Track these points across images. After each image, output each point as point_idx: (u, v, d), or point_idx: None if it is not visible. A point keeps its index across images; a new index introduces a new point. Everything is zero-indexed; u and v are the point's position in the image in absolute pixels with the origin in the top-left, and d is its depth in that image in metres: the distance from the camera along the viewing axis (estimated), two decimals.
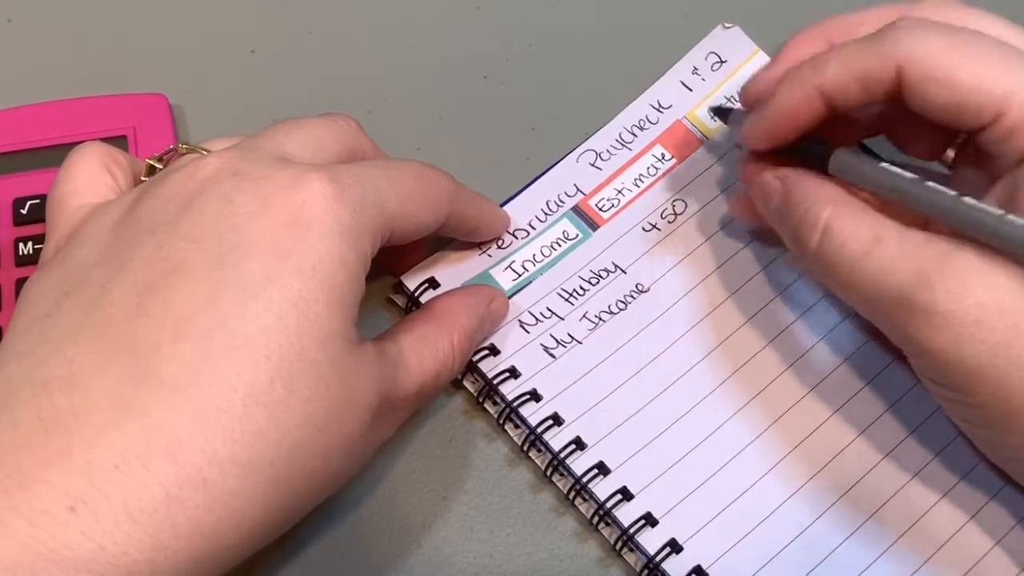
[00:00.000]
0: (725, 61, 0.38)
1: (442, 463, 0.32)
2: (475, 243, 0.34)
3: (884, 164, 0.28)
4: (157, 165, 0.29)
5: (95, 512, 0.21)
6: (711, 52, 0.38)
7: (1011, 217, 0.24)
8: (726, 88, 0.37)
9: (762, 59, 0.37)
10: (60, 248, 0.27)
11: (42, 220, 0.32)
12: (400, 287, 0.33)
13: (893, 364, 0.32)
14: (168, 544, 0.22)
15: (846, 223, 0.27)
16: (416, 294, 0.33)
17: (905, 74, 0.27)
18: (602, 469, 0.31)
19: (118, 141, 0.35)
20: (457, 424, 0.32)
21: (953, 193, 0.26)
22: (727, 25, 0.38)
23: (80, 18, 0.40)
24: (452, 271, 0.34)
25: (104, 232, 0.26)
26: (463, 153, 0.37)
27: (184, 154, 0.29)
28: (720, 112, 0.35)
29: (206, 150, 0.28)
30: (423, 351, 0.29)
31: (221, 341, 0.23)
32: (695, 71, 0.38)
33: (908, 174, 0.27)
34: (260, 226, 0.25)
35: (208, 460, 0.22)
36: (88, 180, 0.28)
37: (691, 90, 0.37)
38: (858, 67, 0.27)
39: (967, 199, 0.25)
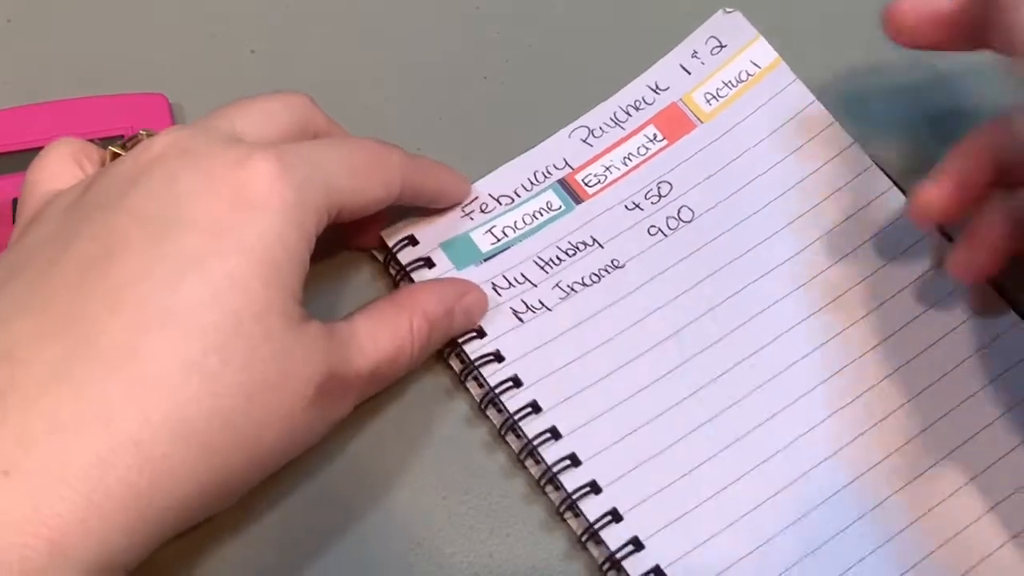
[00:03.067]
0: (725, 46, 0.38)
1: (442, 463, 0.32)
2: (454, 206, 0.35)
3: None
4: (120, 152, 0.29)
5: (28, 476, 0.22)
6: (711, 36, 0.38)
7: None
8: (724, 73, 0.37)
9: (761, 45, 0.38)
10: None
11: None
12: (380, 243, 0.34)
13: (867, 360, 0.32)
14: (100, 504, 0.22)
15: None
16: (395, 250, 0.34)
17: None
18: (555, 433, 0.31)
19: (118, 141, 0.35)
20: (457, 425, 0.32)
21: None
22: (728, 10, 0.38)
23: (80, 18, 0.40)
24: (431, 230, 0.34)
25: (58, 213, 0.27)
26: (463, 153, 0.36)
27: None
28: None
29: None
30: (379, 332, 0.29)
31: (156, 314, 0.24)
32: (695, 54, 0.38)
33: None
34: (201, 203, 0.25)
35: (140, 425, 0.23)
36: (56, 170, 0.29)
37: (690, 73, 0.37)
38: None
39: None
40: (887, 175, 0.36)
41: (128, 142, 0.30)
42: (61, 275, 0.25)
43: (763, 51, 0.37)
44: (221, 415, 0.24)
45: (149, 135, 0.29)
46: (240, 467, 0.25)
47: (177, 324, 0.24)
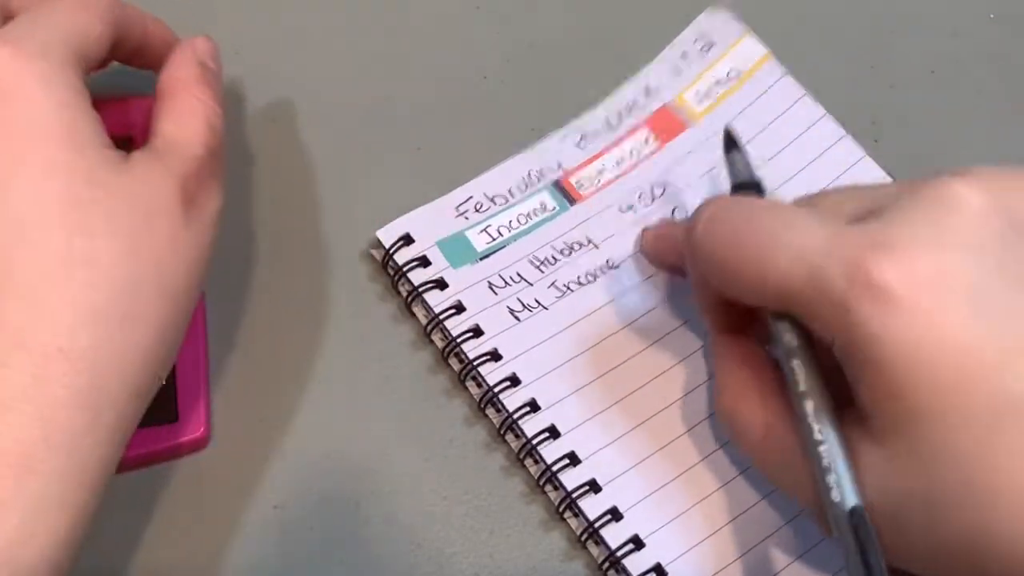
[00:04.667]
0: (714, 44, 0.38)
1: (441, 463, 0.32)
2: (452, 204, 0.35)
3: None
4: None
5: None
6: (700, 35, 0.38)
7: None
8: (714, 72, 0.38)
9: (750, 41, 0.38)
10: None
11: None
12: (377, 243, 0.34)
13: None
14: (54, 416, 0.23)
15: (741, 416, 0.28)
16: (391, 251, 0.34)
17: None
18: (553, 432, 0.31)
19: (121, 142, 0.35)
20: (457, 425, 0.32)
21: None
22: (716, 8, 0.39)
23: None
24: (427, 228, 0.34)
25: None
26: (463, 153, 0.37)
27: None
28: (728, 141, 0.32)
29: None
30: (184, 122, 0.29)
31: (8, 228, 0.24)
32: (684, 55, 0.38)
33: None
34: None
35: (54, 332, 0.24)
36: None
37: (680, 74, 0.38)
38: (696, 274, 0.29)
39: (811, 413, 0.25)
40: (880, 165, 0.36)
41: None
42: None
43: (752, 47, 0.38)
44: (119, 285, 0.25)
45: None
46: (168, 311, 0.26)
47: (30, 232, 0.24)
